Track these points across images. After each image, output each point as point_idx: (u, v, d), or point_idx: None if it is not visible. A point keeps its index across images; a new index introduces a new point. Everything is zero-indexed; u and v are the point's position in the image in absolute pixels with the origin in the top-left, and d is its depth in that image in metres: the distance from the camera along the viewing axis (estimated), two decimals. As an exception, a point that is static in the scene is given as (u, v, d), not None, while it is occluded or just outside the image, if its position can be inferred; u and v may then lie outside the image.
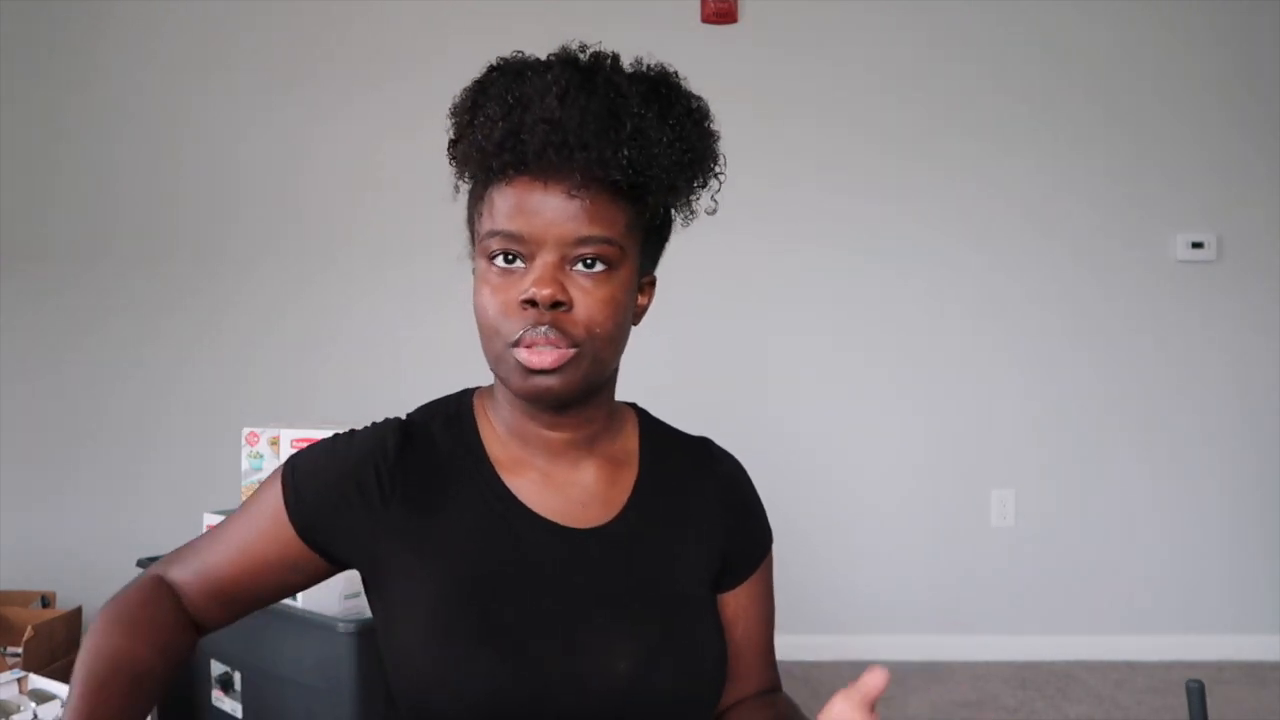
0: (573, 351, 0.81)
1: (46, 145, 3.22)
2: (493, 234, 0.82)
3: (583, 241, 0.80)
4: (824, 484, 3.26)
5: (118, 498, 3.20)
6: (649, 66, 0.85)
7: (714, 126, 0.86)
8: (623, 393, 1.03)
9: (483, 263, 0.84)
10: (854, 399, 3.27)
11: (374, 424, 0.92)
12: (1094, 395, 3.28)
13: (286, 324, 3.24)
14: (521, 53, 0.85)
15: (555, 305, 0.80)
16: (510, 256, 0.82)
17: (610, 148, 0.78)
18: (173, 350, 3.23)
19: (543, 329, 0.80)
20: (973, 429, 3.27)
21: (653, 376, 3.06)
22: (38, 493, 3.20)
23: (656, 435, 0.98)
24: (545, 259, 0.81)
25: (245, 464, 1.97)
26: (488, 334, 0.84)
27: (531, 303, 0.80)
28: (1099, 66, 3.27)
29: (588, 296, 0.81)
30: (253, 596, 0.90)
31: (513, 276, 0.82)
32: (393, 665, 0.84)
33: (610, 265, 0.82)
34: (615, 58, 0.84)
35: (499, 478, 0.89)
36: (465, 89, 0.85)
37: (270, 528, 0.88)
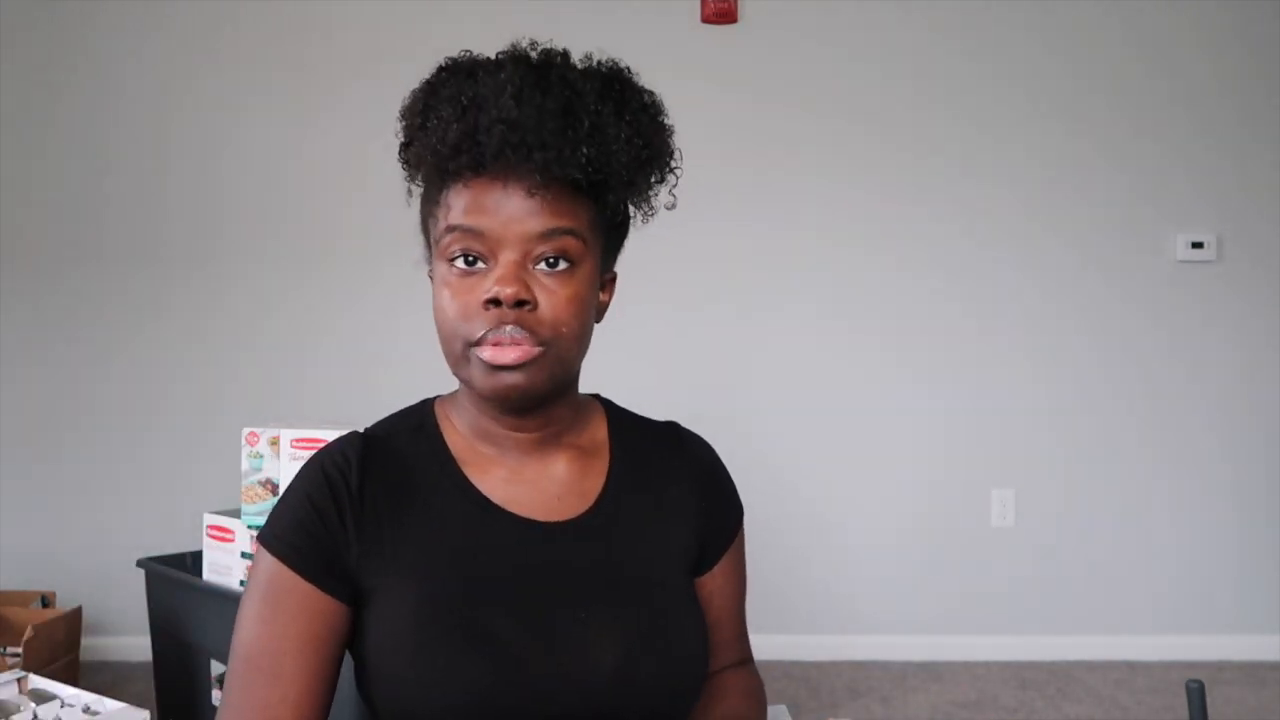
0: (538, 350, 0.80)
1: (33, 145, 3.22)
2: (451, 230, 0.81)
3: (546, 235, 0.80)
4: (823, 484, 3.26)
5: (118, 498, 3.20)
6: (600, 62, 0.84)
7: (668, 121, 0.85)
8: (612, 390, 1.03)
9: (442, 265, 0.83)
10: (853, 398, 3.27)
11: (332, 442, 0.90)
12: (1094, 395, 3.28)
13: (286, 322, 3.24)
14: (470, 52, 0.84)
15: (520, 304, 0.79)
16: (471, 258, 0.81)
17: (569, 146, 0.77)
18: (172, 351, 3.22)
19: (507, 329, 0.79)
20: (973, 429, 3.27)
21: (646, 372, 3.07)
22: (38, 493, 3.20)
23: (625, 424, 0.97)
24: (508, 257, 0.80)
25: (245, 464, 1.97)
26: (448, 337, 0.83)
27: (495, 302, 0.79)
28: (1098, 67, 3.27)
29: (552, 295, 0.80)
30: (327, 701, 0.83)
31: (474, 278, 0.81)
32: (373, 678, 0.83)
33: (573, 262, 0.81)
34: (566, 54, 0.83)
35: (468, 480, 0.88)
36: (414, 90, 0.84)
37: (295, 608, 0.82)
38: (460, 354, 0.82)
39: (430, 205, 0.85)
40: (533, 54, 0.83)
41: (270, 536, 0.84)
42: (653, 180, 0.85)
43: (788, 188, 3.25)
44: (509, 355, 0.79)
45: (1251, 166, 3.27)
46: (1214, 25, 3.27)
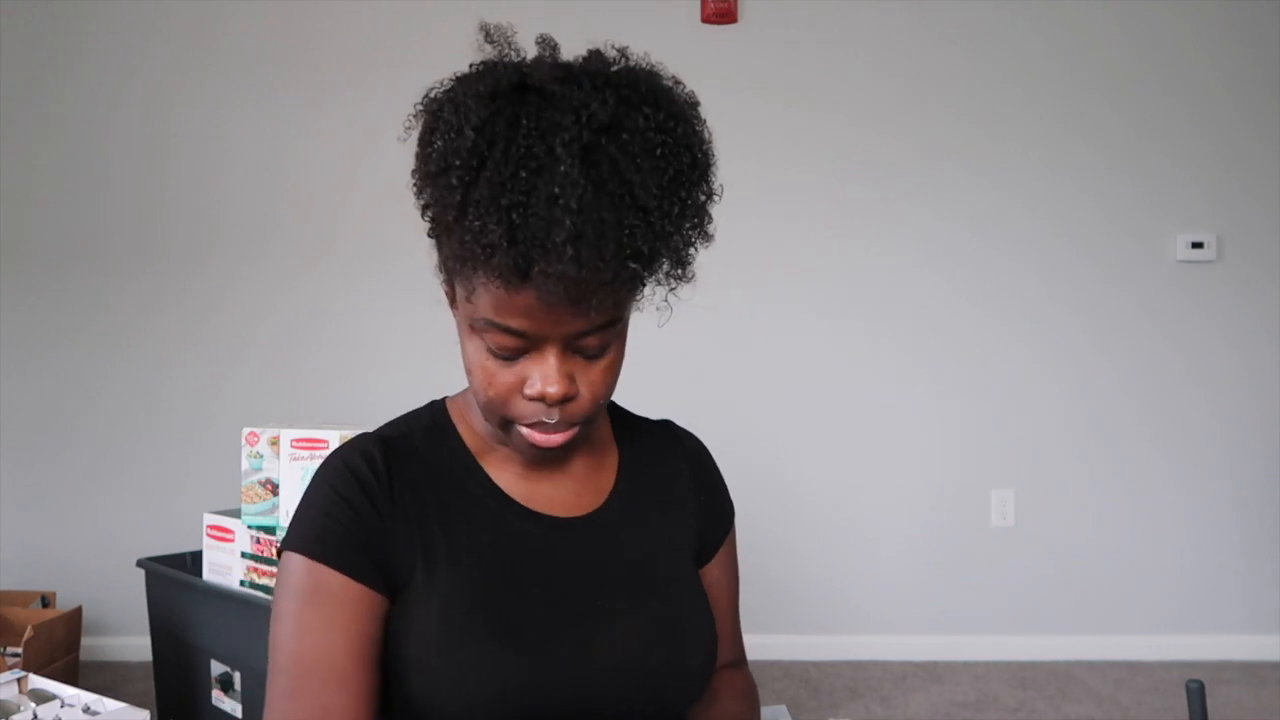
0: (578, 428, 0.82)
1: (30, 146, 3.21)
2: (488, 324, 0.77)
3: (593, 331, 0.77)
4: (823, 484, 3.26)
5: (118, 498, 3.20)
6: (648, 116, 0.73)
7: (713, 155, 0.79)
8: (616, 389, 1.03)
9: (474, 335, 0.80)
10: (854, 398, 3.27)
11: (347, 443, 0.87)
12: (1094, 395, 3.28)
13: (286, 322, 3.23)
14: (501, 54, 0.77)
15: (564, 400, 0.79)
16: (508, 350, 0.78)
17: (625, 264, 0.71)
18: (172, 351, 3.22)
19: (550, 419, 0.79)
20: (973, 429, 3.27)
21: (645, 372, 3.06)
22: (38, 493, 3.20)
23: (626, 421, 0.99)
24: (551, 351, 0.77)
25: (245, 464, 1.97)
26: (485, 408, 0.82)
27: (540, 397, 0.78)
28: (1098, 67, 3.27)
29: (591, 374, 0.80)
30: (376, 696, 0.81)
31: (513, 362, 0.79)
32: (399, 674, 0.82)
33: (614, 339, 0.80)
34: (619, 124, 0.72)
35: (489, 478, 0.88)
36: (446, 135, 0.73)
37: (346, 609, 0.79)
38: (499, 424, 0.82)
39: (458, 267, 0.78)
40: (583, 132, 0.70)
41: (301, 541, 0.82)
42: (697, 234, 0.78)
43: (788, 188, 3.25)
44: (555, 440, 0.81)
45: (1251, 167, 3.27)
46: (1214, 26, 3.27)
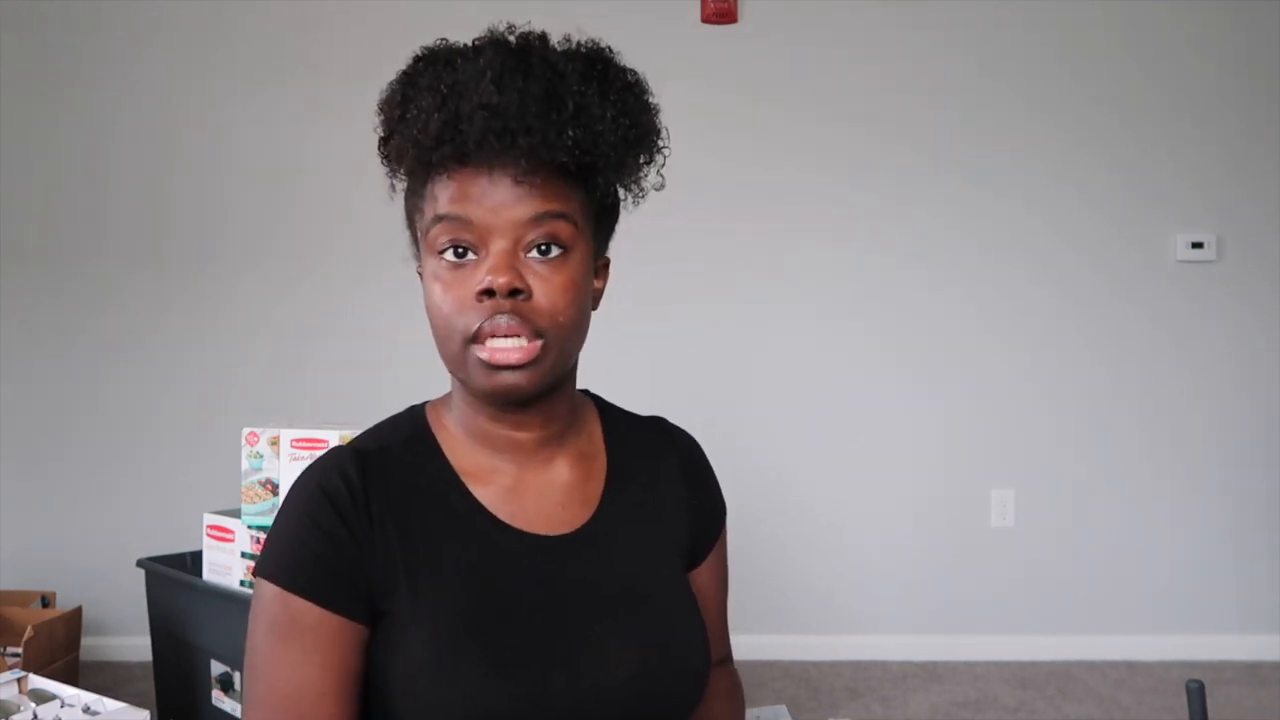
0: (539, 344, 0.78)
1: (34, 148, 3.22)
2: (439, 219, 0.79)
3: (536, 220, 0.78)
4: (823, 484, 3.26)
5: (118, 498, 3.20)
6: (580, 44, 0.82)
7: (653, 99, 0.83)
8: (609, 389, 1.03)
9: (431, 259, 0.81)
10: (854, 399, 3.27)
11: (321, 460, 0.84)
12: (1094, 395, 3.28)
13: (286, 322, 3.24)
14: (446, 40, 0.83)
15: (514, 293, 0.77)
16: (461, 250, 0.79)
17: (554, 129, 0.75)
18: (173, 351, 3.23)
19: (503, 318, 0.77)
20: (973, 429, 3.27)
21: (643, 373, 3.07)
22: (37, 493, 3.20)
23: (617, 421, 0.96)
24: (499, 246, 0.78)
25: (245, 464, 1.97)
26: (443, 333, 0.80)
27: (489, 292, 0.77)
28: (1099, 67, 3.27)
29: (546, 283, 0.78)
30: None
31: (465, 270, 0.79)
32: (388, 703, 0.80)
33: (566, 248, 0.79)
34: (544, 37, 0.81)
35: (474, 497, 0.85)
36: (391, 82, 0.82)
37: (326, 644, 0.78)
38: (458, 352, 0.80)
39: (415, 199, 0.83)
40: (511, 38, 0.81)
41: (277, 569, 0.79)
42: (641, 160, 0.82)
43: (787, 188, 3.25)
44: (511, 356, 0.78)
45: (1251, 167, 3.27)
46: (1214, 26, 3.26)
